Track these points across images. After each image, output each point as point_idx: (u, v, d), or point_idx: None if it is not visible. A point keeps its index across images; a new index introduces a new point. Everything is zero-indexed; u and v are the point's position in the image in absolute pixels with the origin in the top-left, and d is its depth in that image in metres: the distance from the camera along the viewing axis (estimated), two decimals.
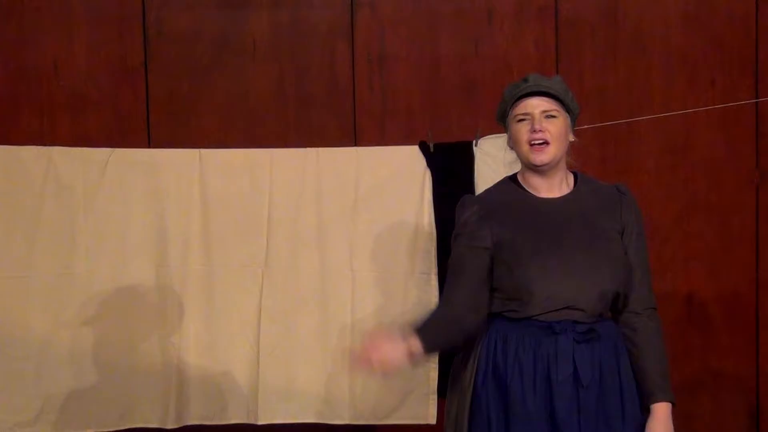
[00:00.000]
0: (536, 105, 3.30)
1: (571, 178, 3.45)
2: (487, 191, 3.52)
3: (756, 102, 4.96)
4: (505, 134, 4.31)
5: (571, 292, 3.28)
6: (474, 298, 3.37)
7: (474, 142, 4.52)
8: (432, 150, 4.54)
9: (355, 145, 4.90)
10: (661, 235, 5.00)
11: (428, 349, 3.37)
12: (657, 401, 3.42)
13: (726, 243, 5.08)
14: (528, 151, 3.31)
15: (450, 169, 4.51)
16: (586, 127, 4.19)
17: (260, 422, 4.58)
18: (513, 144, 3.38)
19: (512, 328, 3.32)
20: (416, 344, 3.32)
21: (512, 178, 3.46)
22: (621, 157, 4.98)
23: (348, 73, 4.98)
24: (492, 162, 4.42)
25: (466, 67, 4.99)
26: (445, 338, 3.42)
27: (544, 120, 3.30)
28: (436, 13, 5.00)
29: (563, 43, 4.99)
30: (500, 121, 3.44)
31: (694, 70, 5.02)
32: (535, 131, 3.29)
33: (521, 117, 3.31)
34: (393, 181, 4.56)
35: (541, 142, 3.31)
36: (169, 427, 4.56)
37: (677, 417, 5.01)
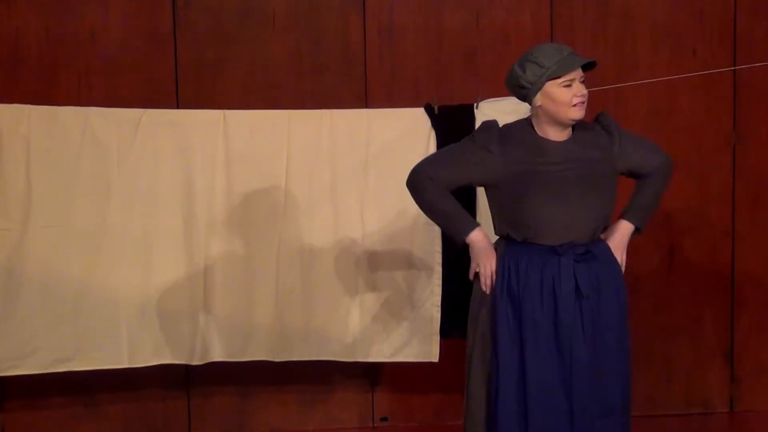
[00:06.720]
0: (577, 73, 3.69)
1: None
2: (508, 126, 3.80)
3: (733, 69, 5.07)
4: (501, 99, 4.61)
5: (568, 223, 3.69)
6: (450, 187, 3.79)
7: (475, 105, 4.68)
8: (436, 112, 4.69)
9: (366, 108, 4.97)
10: None
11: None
12: (625, 220, 3.88)
13: (705, 199, 5.22)
14: (571, 109, 3.67)
15: (453, 129, 4.56)
16: None
17: (278, 360, 4.74)
18: (550, 103, 3.68)
19: (521, 251, 3.73)
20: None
21: (528, 122, 3.79)
22: None
23: (360, 43, 5.07)
24: None
25: (467, 38, 5.09)
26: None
27: (580, 85, 3.70)
28: None
29: (557, 15, 5.10)
30: (533, 83, 3.68)
31: (678, 40, 5.14)
32: (578, 96, 3.66)
33: (567, 83, 3.67)
34: (400, 140, 4.70)
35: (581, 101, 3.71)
36: (195, 363, 4.73)
37: (659, 359, 5.29)
